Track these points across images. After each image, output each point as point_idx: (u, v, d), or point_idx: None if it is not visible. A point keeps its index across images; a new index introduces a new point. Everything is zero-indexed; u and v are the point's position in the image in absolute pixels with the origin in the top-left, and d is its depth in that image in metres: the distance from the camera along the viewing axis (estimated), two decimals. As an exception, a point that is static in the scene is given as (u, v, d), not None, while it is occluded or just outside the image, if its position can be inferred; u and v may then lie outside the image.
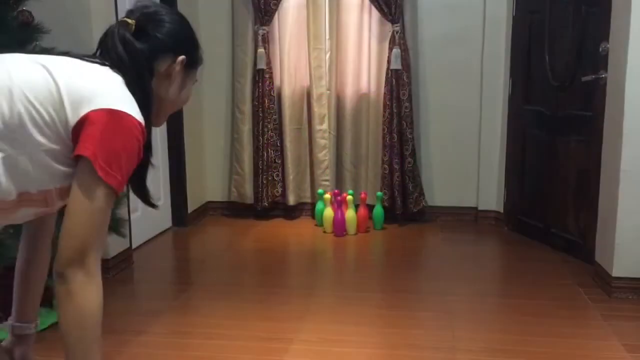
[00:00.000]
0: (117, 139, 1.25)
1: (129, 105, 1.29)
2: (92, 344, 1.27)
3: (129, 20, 1.42)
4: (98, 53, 1.43)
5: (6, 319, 1.67)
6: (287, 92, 4.49)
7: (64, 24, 3.05)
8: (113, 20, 3.48)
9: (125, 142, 1.26)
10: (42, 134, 1.25)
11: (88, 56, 1.40)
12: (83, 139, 1.24)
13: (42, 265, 1.65)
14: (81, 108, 1.25)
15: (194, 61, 1.51)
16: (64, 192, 1.31)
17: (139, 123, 1.29)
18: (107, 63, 1.36)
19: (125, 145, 1.26)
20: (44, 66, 1.29)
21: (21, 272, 1.62)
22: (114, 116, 1.25)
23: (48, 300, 2.84)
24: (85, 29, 3.12)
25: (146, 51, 1.40)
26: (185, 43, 1.48)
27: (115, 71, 1.35)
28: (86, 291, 1.25)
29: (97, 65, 1.35)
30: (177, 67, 1.45)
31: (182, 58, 1.45)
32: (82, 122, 1.25)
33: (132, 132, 1.27)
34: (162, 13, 1.46)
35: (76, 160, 1.26)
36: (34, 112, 1.24)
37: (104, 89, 1.29)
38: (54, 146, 1.27)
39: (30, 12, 2.81)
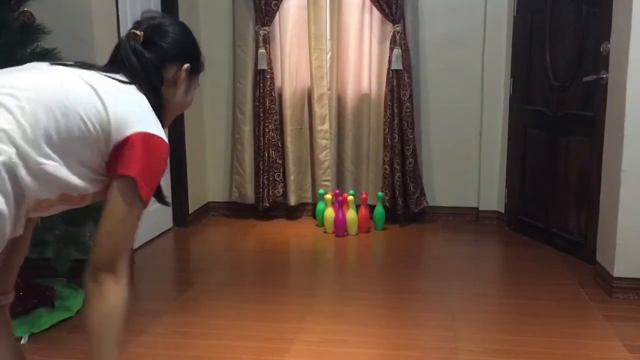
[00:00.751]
0: (154, 161, 1.44)
1: (159, 128, 1.47)
2: (115, 337, 1.45)
3: (138, 32, 1.55)
4: (110, 62, 1.56)
5: None
6: (288, 93, 4.49)
7: (65, 25, 3.06)
8: (114, 21, 3.52)
9: (159, 163, 1.45)
10: (89, 148, 1.40)
11: (112, 72, 1.50)
12: (127, 160, 1.40)
13: (22, 252, 1.71)
14: (124, 129, 1.40)
15: (196, 67, 1.65)
16: (97, 195, 1.48)
17: (167, 145, 1.47)
18: (129, 80, 1.49)
19: (159, 166, 1.46)
20: (90, 86, 1.42)
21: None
22: (151, 140, 1.42)
23: (49, 300, 2.85)
24: (86, 30, 3.12)
25: (155, 60, 1.54)
26: (188, 51, 1.62)
27: (137, 88, 1.49)
28: (115, 292, 1.43)
29: (127, 86, 1.48)
30: (183, 74, 1.60)
31: (187, 65, 1.60)
32: (125, 142, 1.40)
33: (164, 155, 1.46)
34: (166, 24, 1.59)
35: (113, 172, 1.43)
36: (84, 128, 1.38)
37: (141, 113, 1.45)
38: (95, 159, 1.42)
39: (31, 13, 2.81)
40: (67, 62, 1.53)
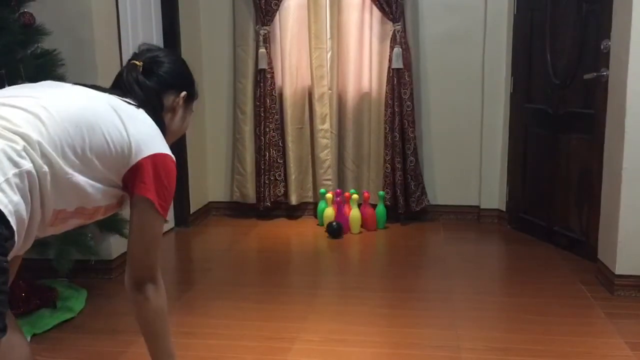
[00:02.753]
0: (167, 181, 1.58)
1: (167, 146, 1.60)
2: (166, 328, 1.70)
3: (138, 63, 1.66)
4: (114, 88, 1.65)
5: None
6: (288, 92, 4.49)
7: (65, 26, 3.06)
8: (114, 22, 3.51)
9: (171, 180, 1.60)
10: (107, 166, 1.49)
11: (122, 96, 1.59)
12: (145, 182, 1.53)
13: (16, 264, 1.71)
14: (141, 152, 1.52)
15: (191, 95, 1.78)
16: (109, 209, 1.60)
17: (175, 161, 1.61)
18: (137, 105, 1.59)
19: (171, 183, 1.60)
20: (113, 108, 1.52)
21: None
22: (164, 161, 1.56)
23: (50, 301, 2.85)
24: (87, 31, 3.12)
25: (156, 88, 1.66)
26: (184, 79, 1.76)
27: (147, 113, 1.59)
28: (158, 297, 1.65)
29: (139, 110, 1.59)
30: (180, 102, 1.73)
31: (184, 93, 1.73)
32: (141, 163, 1.52)
33: (174, 172, 1.61)
34: (161, 55, 1.71)
35: (129, 189, 1.55)
36: (106, 148, 1.48)
37: (155, 135, 1.58)
38: (111, 176, 1.52)
39: (31, 14, 2.81)
40: (85, 84, 1.60)
